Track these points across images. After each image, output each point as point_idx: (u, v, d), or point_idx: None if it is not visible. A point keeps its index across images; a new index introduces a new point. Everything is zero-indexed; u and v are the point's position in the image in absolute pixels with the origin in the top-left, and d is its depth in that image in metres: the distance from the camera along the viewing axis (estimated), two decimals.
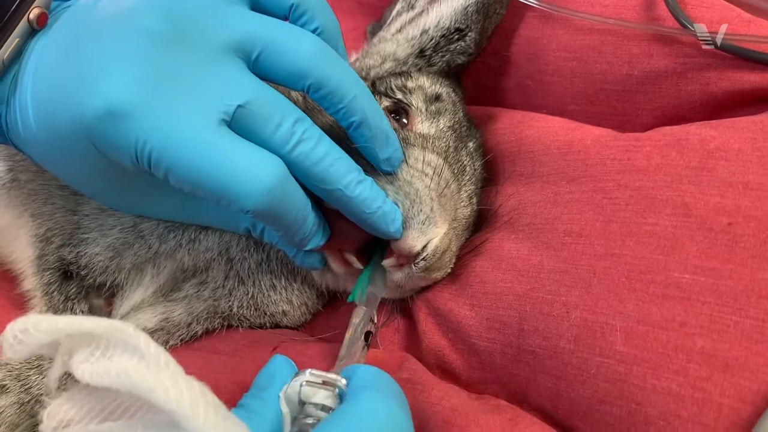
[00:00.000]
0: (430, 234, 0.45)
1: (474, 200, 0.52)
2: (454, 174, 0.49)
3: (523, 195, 0.50)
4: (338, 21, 0.47)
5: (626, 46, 0.53)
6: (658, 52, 0.51)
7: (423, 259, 0.45)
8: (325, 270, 0.50)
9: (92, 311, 0.54)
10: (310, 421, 0.36)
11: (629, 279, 0.40)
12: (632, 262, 0.40)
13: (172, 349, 0.54)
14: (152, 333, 0.53)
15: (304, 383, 0.38)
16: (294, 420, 0.37)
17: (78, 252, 0.53)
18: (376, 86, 0.54)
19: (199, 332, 0.54)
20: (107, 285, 0.54)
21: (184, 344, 0.54)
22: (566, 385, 0.42)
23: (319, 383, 0.37)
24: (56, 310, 0.52)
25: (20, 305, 0.55)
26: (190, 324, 0.54)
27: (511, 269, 0.46)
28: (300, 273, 0.55)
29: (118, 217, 0.53)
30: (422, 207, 0.45)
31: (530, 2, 0.55)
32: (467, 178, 0.52)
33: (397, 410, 0.35)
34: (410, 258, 0.45)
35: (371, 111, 0.44)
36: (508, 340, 0.46)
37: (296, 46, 0.42)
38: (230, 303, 0.54)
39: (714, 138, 0.44)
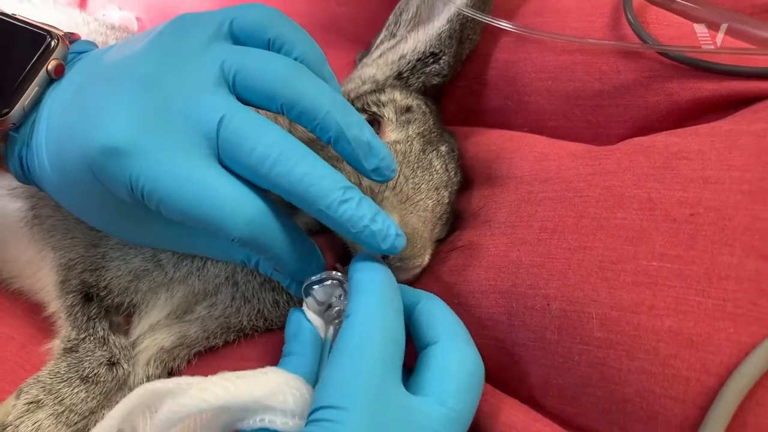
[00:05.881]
0: None
1: (443, 194, 0.55)
2: (413, 169, 0.53)
3: (499, 196, 0.54)
4: (338, 56, 0.51)
5: (596, 64, 0.57)
6: (625, 68, 0.56)
7: None
8: None
9: (112, 328, 0.57)
10: (335, 312, 0.45)
11: (601, 269, 0.43)
12: (604, 254, 0.44)
13: (203, 359, 0.59)
14: (171, 350, 0.58)
15: (311, 290, 0.46)
16: (327, 321, 0.45)
17: (99, 275, 0.57)
18: (354, 104, 0.59)
19: (219, 344, 0.59)
20: (125, 305, 0.58)
21: (213, 354, 0.59)
22: (555, 374, 0.45)
23: (326, 284, 0.46)
24: (80, 330, 0.56)
25: (48, 333, 0.59)
26: (208, 338, 0.58)
27: (493, 266, 0.50)
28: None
29: (139, 248, 0.57)
30: None
31: (505, 26, 0.60)
32: (436, 174, 0.55)
33: (388, 312, 0.41)
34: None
35: (347, 124, 0.44)
36: (502, 336, 0.49)
37: (264, 68, 0.44)
38: (240, 318, 0.58)
39: (677, 143, 0.48)
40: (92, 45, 0.54)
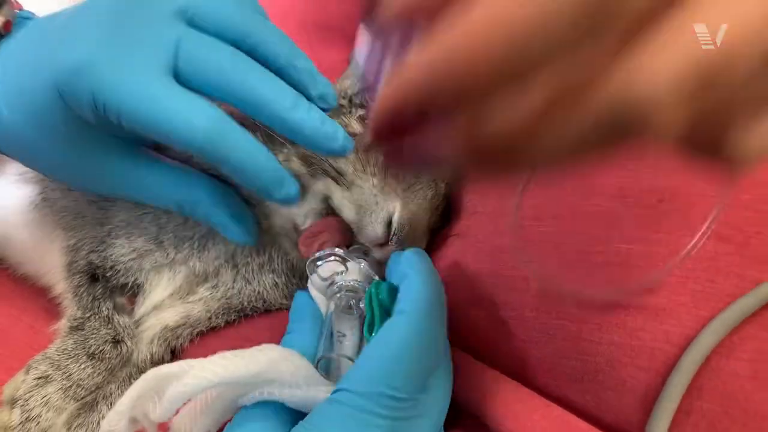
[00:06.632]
0: (383, 215, 0.52)
1: (440, 185, 0.60)
2: None
3: (487, 189, 0.57)
4: (330, 54, 0.55)
5: None
6: None
7: (394, 235, 0.52)
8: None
9: (116, 308, 0.61)
10: (336, 288, 0.48)
11: (577, 252, 0.47)
12: (579, 238, 0.48)
13: (204, 338, 0.62)
14: (175, 329, 0.61)
15: (315, 267, 0.49)
16: (329, 297, 0.48)
17: (104, 256, 0.60)
18: (351, 100, 0.62)
19: (221, 324, 0.62)
20: (129, 285, 0.61)
21: (215, 333, 0.62)
22: (533, 347, 0.49)
23: (330, 260, 0.49)
24: (85, 309, 0.59)
25: (54, 314, 0.62)
26: (210, 318, 0.62)
27: (480, 252, 0.54)
28: (298, 270, 0.62)
29: (143, 228, 0.60)
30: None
31: None
32: None
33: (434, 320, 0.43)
34: (383, 240, 0.52)
35: (293, 55, 0.49)
36: (486, 315, 0.53)
37: (221, 7, 0.48)
38: (240, 299, 0.62)
39: None
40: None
